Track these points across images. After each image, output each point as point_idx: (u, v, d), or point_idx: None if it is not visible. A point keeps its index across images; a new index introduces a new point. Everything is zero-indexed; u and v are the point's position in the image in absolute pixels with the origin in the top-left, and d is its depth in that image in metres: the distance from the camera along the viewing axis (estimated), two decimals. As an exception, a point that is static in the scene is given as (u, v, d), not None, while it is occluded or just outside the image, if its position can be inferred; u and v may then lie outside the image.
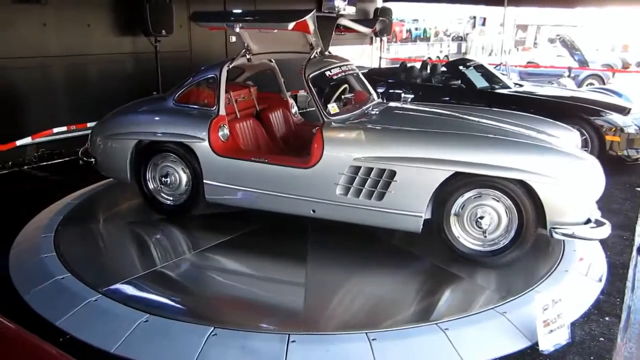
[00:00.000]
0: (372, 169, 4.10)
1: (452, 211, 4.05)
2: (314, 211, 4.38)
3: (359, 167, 4.13)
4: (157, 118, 5.12)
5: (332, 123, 4.43)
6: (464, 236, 4.09)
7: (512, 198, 3.86)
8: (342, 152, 4.23)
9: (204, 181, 4.78)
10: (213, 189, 4.77)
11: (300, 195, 4.39)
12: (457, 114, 4.83)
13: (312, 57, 4.84)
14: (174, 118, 4.98)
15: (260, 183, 4.54)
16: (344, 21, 5.25)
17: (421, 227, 4.07)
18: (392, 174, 4.03)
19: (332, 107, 4.57)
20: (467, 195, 4.00)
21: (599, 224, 3.90)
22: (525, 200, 3.81)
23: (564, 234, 3.81)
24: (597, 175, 3.92)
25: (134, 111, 5.37)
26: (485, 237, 4.02)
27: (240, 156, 4.70)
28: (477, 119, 4.67)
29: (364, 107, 4.89)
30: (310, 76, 4.59)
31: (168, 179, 5.00)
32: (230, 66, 5.11)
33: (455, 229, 4.09)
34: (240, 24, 4.48)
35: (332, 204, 4.27)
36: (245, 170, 4.60)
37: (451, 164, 3.90)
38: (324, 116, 4.46)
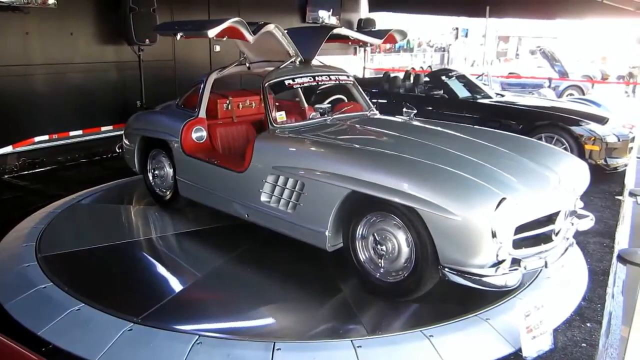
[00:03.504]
0: (287, 179, 4.10)
1: (358, 234, 3.79)
2: (247, 215, 4.49)
3: (278, 176, 4.17)
4: (157, 118, 5.69)
5: (277, 131, 4.52)
6: (369, 263, 3.78)
7: (408, 227, 3.47)
8: (266, 160, 4.29)
9: (176, 177, 5.26)
10: (183, 185, 5.20)
11: (236, 198, 4.56)
12: (431, 135, 4.46)
13: (282, 66, 4.97)
14: (166, 118, 5.50)
15: (210, 183, 4.87)
16: (344, 31, 5.33)
17: (328, 244, 3.87)
18: (302, 186, 3.98)
19: (280, 116, 4.65)
20: (370, 217, 3.71)
21: (513, 267, 3.34)
22: (422, 230, 3.37)
23: (458, 276, 3.32)
24: (510, 215, 3.28)
25: (151, 112, 5.99)
26: (381, 265, 3.70)
27: (200, 157, 4.98)
28: (441, 143, 4.13)
29: (326, 118, 4.85)
30: (268, 84, 4.70)
31: (157, 172, 5.61)
32: (222, 74, 5.38)
33: (361, 254, 3.80)
34: (181, 33, 4.63)
35: (259, 210, 4.34)
36: (201, 170, 4.95)
37: (348, 181, 3.65)
38: (269, 124, 4.56)
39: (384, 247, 3.63)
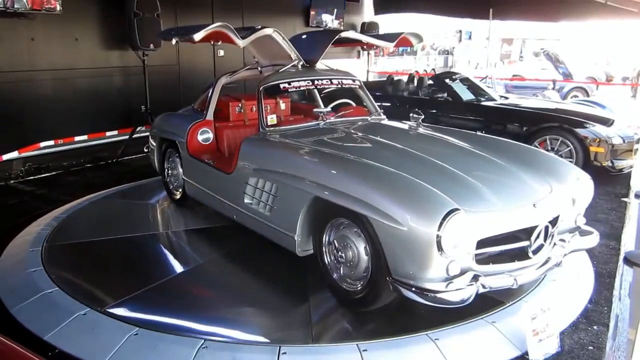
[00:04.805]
0: (265, 181, 4.13)
1: (325, 240, 3.74)
2: (235, 217, 4.54)
3: (258, 179, 4.20)
4: (173, 119, 5.87)
5: (266, 134, 4.56)
6: (333, 268, 3.73)
7: (365, 235, 3.35)
8: (249, 162, 4.35)
9: (183, 177, 5.43)
10: (189, 185, 5.37)
11: (225, 200, 4.64)
12: (419, 141, 4.39)
13: (282, 69, 5.02)
14: (178, 120, 5.69)
15: (207, 184, 4.99)
16: (356, 35, 5.33)
17: (298, 249, 3.84)
18: (276, 189, 4.01)
19: (271, 119, 4.69)
20: (335, 223, 3.64)
21: (470, 284, 3.10)
22: (375, 240, 3.23)
23: (407, 290, 3.09)
24: (465, 227, 3.04)
25: (172, 114, 6.11)
26: (340, 271, 3.66)
27: (203, 158, 5.09)
28: (424, 150, 3.97)
29: (319, 122, 4.79)
30: (263, 87, 4.75)
31: (171, 172, 5.84)
32: (232, 78, 5.49)
33: (327, 259, 3.76)
34: (176, 38, 4.71)
35: (243, 212, 4.37)
36: (201, 171, 5.09)
37: (311, 186, 3.63)
38: (261, 126, 4.61)
39: (343, 255, 3.58)
